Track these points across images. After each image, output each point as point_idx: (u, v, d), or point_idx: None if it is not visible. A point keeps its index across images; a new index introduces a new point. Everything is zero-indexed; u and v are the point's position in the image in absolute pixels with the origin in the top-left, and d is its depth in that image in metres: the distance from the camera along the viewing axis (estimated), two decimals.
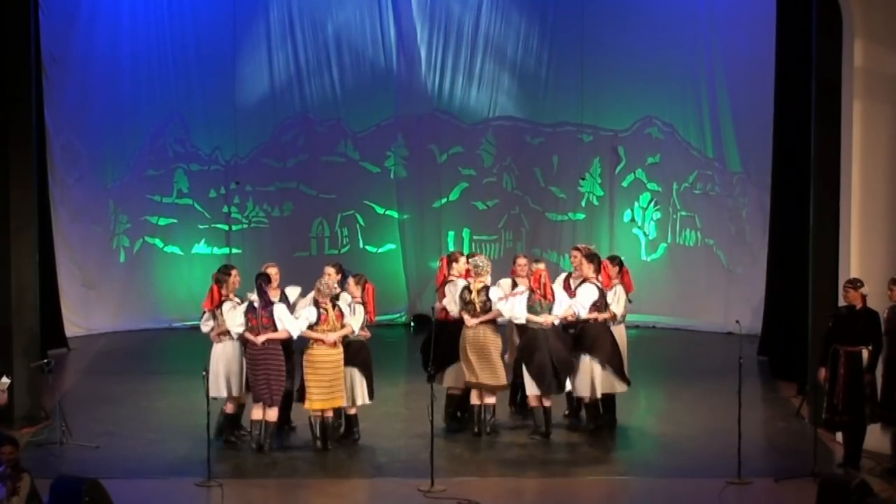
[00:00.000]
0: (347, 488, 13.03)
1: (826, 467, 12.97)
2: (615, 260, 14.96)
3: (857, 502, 10.79)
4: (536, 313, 14.20)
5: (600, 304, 14.41)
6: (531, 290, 14.22)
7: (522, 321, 14.28)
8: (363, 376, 14.05)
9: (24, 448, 12.84)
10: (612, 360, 14.38)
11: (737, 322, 14.69)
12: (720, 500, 12.39)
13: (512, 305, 14.26)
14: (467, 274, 14.57)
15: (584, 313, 14.33)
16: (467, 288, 14.34)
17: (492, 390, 14.43)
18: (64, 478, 11.08)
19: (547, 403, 14.30)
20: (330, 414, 13.86)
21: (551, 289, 14.30)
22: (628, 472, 13.56)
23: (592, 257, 14.63)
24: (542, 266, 14.43)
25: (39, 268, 15.22)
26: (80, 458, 13.55)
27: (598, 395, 14.41)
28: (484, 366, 14.31)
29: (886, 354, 13.01)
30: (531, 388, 14.29)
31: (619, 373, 14.42)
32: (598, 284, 14.45)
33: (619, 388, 14.50)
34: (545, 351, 14.16)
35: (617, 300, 14.59)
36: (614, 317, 14.56)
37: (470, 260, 14.69)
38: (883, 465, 13.16)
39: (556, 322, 14.26)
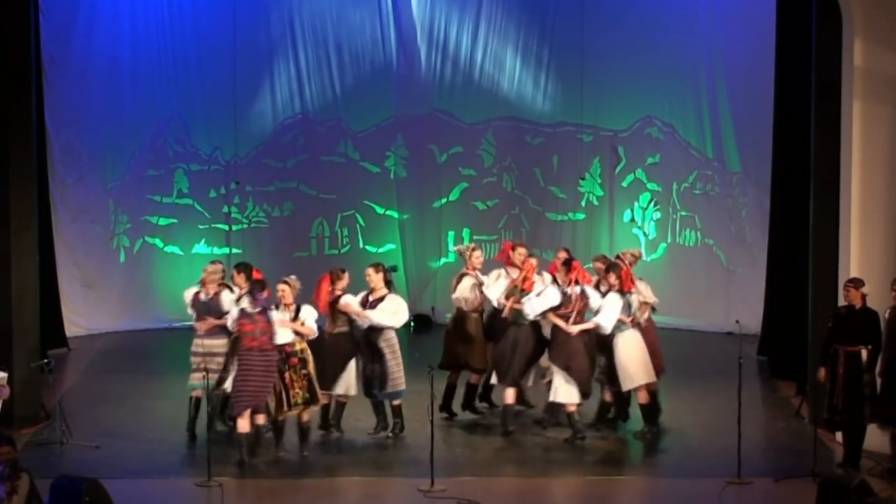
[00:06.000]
0: (347, 487, 13.02)
1: (826, 467, 12.96)
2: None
3: (857, 502, 10.80)
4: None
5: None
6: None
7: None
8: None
9: (24, 448, 12.86)
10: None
11: (737, 322, 14.68)
12: (720, 499, 12.39)
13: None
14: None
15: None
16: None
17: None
18: (64, 478, 11.08)
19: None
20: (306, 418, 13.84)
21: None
22: (628, 472, 13.57)
23: (614, 266, 14.58)
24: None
25: (39, 268, 15.21)
26: (80, 458, 13.54)
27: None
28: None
29: (887, 354, 13.01)
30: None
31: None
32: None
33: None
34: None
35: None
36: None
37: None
38: (883, 465, 13.15)
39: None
